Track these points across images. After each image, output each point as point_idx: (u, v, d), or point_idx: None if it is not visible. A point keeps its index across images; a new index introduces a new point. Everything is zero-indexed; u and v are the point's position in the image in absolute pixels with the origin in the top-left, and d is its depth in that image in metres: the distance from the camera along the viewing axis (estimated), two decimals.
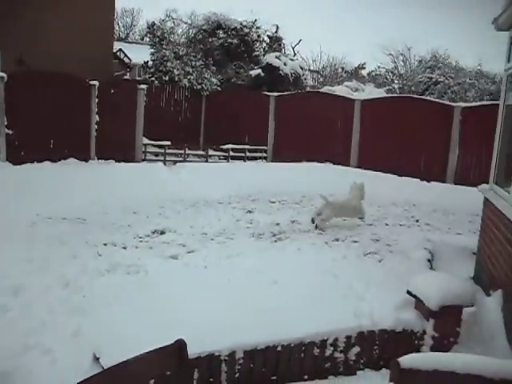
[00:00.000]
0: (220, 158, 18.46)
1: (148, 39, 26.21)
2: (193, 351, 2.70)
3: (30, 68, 15.66)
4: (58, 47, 17.25)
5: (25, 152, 14.02)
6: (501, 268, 5.61)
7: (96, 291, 5.38)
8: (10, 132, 13.93)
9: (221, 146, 18.32)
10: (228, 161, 17.97)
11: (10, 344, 4.47)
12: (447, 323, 5.12)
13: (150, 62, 21.04)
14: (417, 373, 2.82)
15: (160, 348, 2.63)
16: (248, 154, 18.49)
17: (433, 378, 2.80)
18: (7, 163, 13.72)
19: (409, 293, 5.36)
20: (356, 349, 5.03)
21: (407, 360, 2.93)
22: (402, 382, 2.80)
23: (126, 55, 33.71)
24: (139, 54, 33.11)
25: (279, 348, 4.68)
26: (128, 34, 52.30)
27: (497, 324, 5.18)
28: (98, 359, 4.20)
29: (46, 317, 4.84)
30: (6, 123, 13.82)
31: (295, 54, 30.37)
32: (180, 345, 2.60)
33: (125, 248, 7.14)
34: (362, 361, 5.09)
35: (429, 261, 7.17)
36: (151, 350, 2.66)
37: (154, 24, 22.25)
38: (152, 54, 21.13)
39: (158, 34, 21.50)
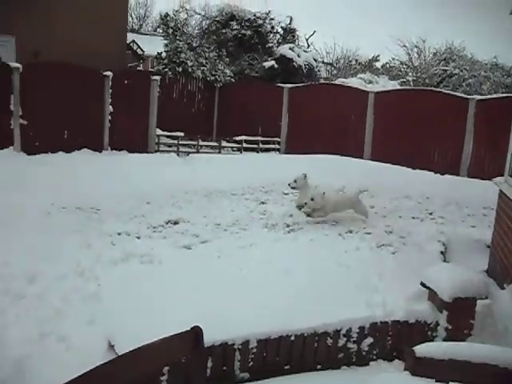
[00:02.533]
0: (233, 150, 18.48)
1: (161, 30, 26.17)
2: (206, 340, 2.71)
3: (44, 59, 15.74)
4: (72, 38, 17.31)
5: (39, 142, 14.12)
6: None
7: (110, 280, 5.42)
8: (25, 122, 14.05)
9: (234, 138, 18.33)
10: (241, 152, 17.99)
11: (26, 331, 4.53)
12: (461, 315, 5.11)
13: (164, 53, 21.02)
14: (432, 361, 2.81)
15: (176, 334, 2.64)
16: (261, 145, 18.48)
17: (448, 366, 2.80)
18: (22, 153, 13.84)
19: (422, 284, 5.35)
20: (369, 339, 5.03)
21: (422, 348, 2.92)
22: (416, 370, 2.79)
23: (138, 46, 33.78)
24: (152, 46, 33.15)
25: (292, 337, 4.69)
26: (141, 25, 52.32)
27: (511, 316, 5.16)
28: (112, 346, 4.24)
29: (61, 304, 4.89)
30: (20, 114, 13.93)
31: (309, 46, 30.19)
32: (196, 332, 2.62)
33: (138, 238, 7.17)
34: (374, 351, 5.09)
35: (442, 253, 7.15)
36: (167, 336, 2.67)
37: (167, 15, 22.20)
38: (165, 45, 21.10)
39: (172, 25, 21.46)
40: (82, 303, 4.93)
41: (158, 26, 44.81)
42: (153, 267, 5.88)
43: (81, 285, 5.31)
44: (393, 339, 5.12)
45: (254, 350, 4.56)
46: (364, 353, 5.05)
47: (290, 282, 5.47)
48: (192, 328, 2.65)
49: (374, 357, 5.10)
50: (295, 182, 9.22)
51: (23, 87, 13.85)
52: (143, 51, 33.57)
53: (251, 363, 4.57)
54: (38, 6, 17.06)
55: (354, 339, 4.97)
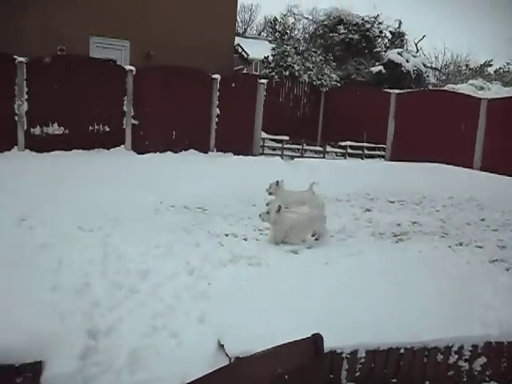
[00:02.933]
0: (337, 155, 18.35)
1: (265, 34, 26.51)
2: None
3: (156, 61, 16.37)
4: (182, 41, 17.92)
5: (149, 142, 14.69)
6: None
7: (219, 280, 5.50)
8: (136, 123, 14.64)
9: (339, 143, 18.20)
10: (345, 158, 17.82)
11: (140, 324, 4.69)
12: None
13: (271, 57, 21.26)
14: None
15: (297, 341, 2.63)
16: (366, 151, 18.24)
17: None
18: (132, 152, 14.43)
19: None
20: (482, 359, 4.79)
21: None
22: None
23: (243, 50, 34.31)
24: (256, 49, 33.58)
25: (402, 350, 4.57)
26: (246, 29, 53.24)
27: None
28: (222, 346, 4.30)
29: (172, 301, 5.03)
30: (132, 114, 14.54)
31: (418, 51, 29.49)
32: (317, 339, 2.59)
33: (245, 240, 7.25)
34: (487, 372, 4.85)
35: None
36: (287, 342, 2.67)
37: (275, 19, 22.45)
38: (273, 48, 21.34)
39: (280, 29, 21.67)
40: (192, 301, 5.03)
41: (263, 30, 45.34)
42: (261, 270, 5.92)
43: (191, 283, 5.43)
44: (508, 361, 4.87)
45: (362, 360, 4.48)
46: (476, 373, 4.83)
47: (400, 294, 5.32)
48: (312, 335, 2.63)
49: (487, 378, 4.86)
50: (270, 187, 9.08)
51: (135, 88, 14.45)
52: (248, 54, 34.08)
53: (358, 373, 4.50)
54: (151, 10, 17.76)
55: (466, 357, 4.76)
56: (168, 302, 5.01)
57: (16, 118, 13.04)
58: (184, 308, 4.91)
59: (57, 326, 4.41)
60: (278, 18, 22.59)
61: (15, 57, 12.87)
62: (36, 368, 4.07)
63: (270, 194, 9.08)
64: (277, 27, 21.96)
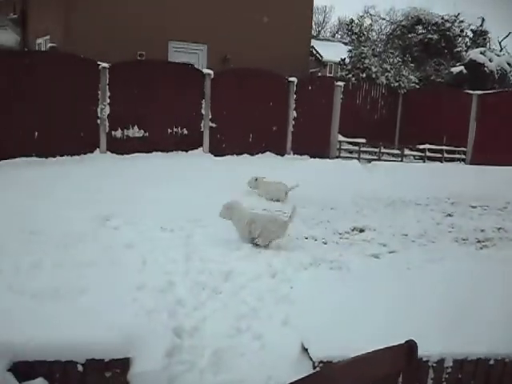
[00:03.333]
0: (415, 158, 17.96)
1: (339, 36, 26.31)
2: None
3: (232, 65, 16.57)
4: (258, 44, 18.03)
5: (226, 144, 14.86)
6: None
7: (301, 283, 5.49)
8: (214, 125, 14.82)
9: (417, 146, 17.82)
10: (424, 161, 17.42)
11: (223, 325, 4.74)
12: None
13: (347, 59, 21.07)
14: None
15: (389, 347, 2.58)
16: (445, 155, 17.76)
17: None
18: (209, 154, 14.63)
19: None
20: None
21: None
22: None
23: (317, 52, 34.19)
24: (330, 51, 33.38)
25: (491, 362, 4.40)
26: (319, 31, 53.05)
27: None
28: (306, 350, 4.28)
29: (256, 303, 5.06)
30: (210, 117, 14.74)
31: (502, 49, 28.42)
32: (411, 345, 2.53)
33: (325, 243, 7.22)
34: None
35: None
36: (379, 349, 2.61)
37: (352, 21, 22.23)
38: (349, 50, 21.16)
39: (356, 30, 21.45)
40: (275, 304, 5.05)
41: (337, 32, 44.99)
42: (342, 273, 5.87)
43: (274, 285, 5.45)
44: None
45: (449, 370, 4.34)
46: None
47: (493, 303, 5.11)
48: (406, 341, 2.57)
49: None
50: (249, 183, 10.36)
51: (213, 92, 14.64)
52: (322, 57, 33.93)
53: (444, 383, 4.37)
54: (228, 14, 17.98)
55: None
56: (251, 303, 5.05)
57: (98, 121, 13.48)
58: (267, 310, 4.93)
59: (144, 323, 4.52)
60: (354, 19, 22.36)
61: (99, 63, 13.31)
62: (124, 364, 4.19)
63: (251, 187, 10.24)
64: (353, 29, 21.71)
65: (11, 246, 6.09)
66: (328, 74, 34.08)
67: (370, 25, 23.15)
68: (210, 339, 4.55)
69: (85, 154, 13.18)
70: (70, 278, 5.24)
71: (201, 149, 14.75)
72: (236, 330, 4.67)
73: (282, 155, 15.63)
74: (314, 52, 33.24)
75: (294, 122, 15.91)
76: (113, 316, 4.52)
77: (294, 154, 15.86)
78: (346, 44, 28.98)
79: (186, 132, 14.60)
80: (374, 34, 25.38)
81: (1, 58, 12.51)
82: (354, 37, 21.40)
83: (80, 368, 4.10)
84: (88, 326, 4.29)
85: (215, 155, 14.42)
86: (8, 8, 23.97)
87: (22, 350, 4.03)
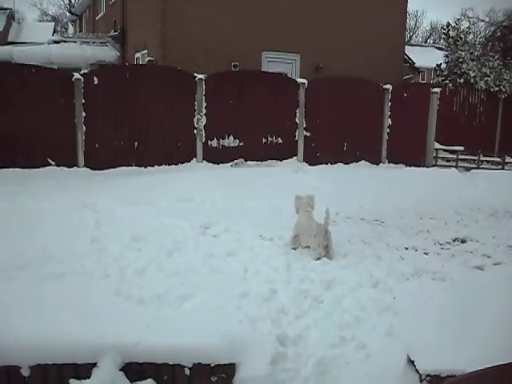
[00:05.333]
0: None
1: (431, 41, 25.62)
2: None
3: (325, 73, 16.57)
4: (351, 52, 17.97)
5: (320, 153, 14.83)
6: None
7: (404, 294, 5.43)
8: (308, 134, 14.85)
9: None
10: None
11: (327, 334, 4.77)
12: None
13: (443, 65, 20.50)
14: None
15: (506, 364, 2.52)
16: None
17: None
18: (304, 163, 14.63)
19: None
20: None
21: None
22: None
23: (409, 58, 33.46)
24: (423, 57, 32.54)
25: None
26: (411, 36, 51.97)
27: None
28: (412, 362, 4.22)
29: (358, 313, 5.05)
30: (304, 126, 14.79)
31: None
32: None
33: (426, 254, 7.08)
34: None
35: None
36: (492, 366, 2.56)
37: (448, 24, 21.60)
38: (445, 55, 20.57)
39: (453, 34, 20.81)
40: (378, 314, 5.03)
41: (429, 37, 43.86)
42: (446, 285, 5.74)
43: (376, 295, 5.42)
44: None
45: None
46: None
47: None
48: None
49: None
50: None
51: (307, 101, 14.69)
52: (414, 62, 33.20)
53: None
54: (320, 23, 18.05)
55: None
56: (354, 313, 5.05)
57: (195, 131, 13.84)
58: (370, 320, 4.92)
59: (248, 330, 4.63)
60: (450, 22, 21.70)
61: (195, 74, 13.69)
62: (229, 369, 4.31)
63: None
64: (450, 33, 21.07)
65: (116, 252, 6.38)
66: (421, 81, 33.29)
67: (468, 28, 22.36)
68: (313, 348, 4.60)
69: (182, 163, 13.60)
70: (173, 285, 5.45)
71: (295, 158, 14.80)
72: (340, 339, 4.68)
73: (377, 164, 15.41)
74: (407, 58, 32.56)
75: (388, 130, 15.65)
76: (217, 322, 4.66)
77: (388, 162, 15.61)
78: (439, 49, 28.18)
79: (280, 141, 14.71)
80: (471, 36, 24.47)
81: (111, 73, 13.42)
82: (450, 41, 20.76)
83: (187, 371, 4.26)
84: (193, 332, 4.45)
85: (309, 164, 14.43)
86: (108, 26, 25.24)
87: (131, 352, 4.23)
